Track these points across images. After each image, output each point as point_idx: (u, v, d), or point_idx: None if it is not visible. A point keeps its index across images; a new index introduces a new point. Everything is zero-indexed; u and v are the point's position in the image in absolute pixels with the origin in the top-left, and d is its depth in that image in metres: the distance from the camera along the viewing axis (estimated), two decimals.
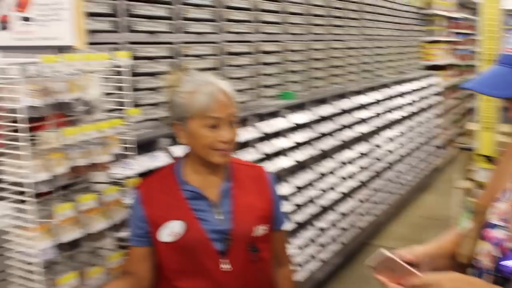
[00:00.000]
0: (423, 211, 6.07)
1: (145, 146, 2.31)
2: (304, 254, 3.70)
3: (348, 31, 4.88)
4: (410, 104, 6.10)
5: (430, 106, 6.90)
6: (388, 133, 5.44)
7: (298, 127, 3.66)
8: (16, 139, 1.56)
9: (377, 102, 5.13)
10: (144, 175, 2.01)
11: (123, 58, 1.81)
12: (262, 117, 3.30)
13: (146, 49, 2.57)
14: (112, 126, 1.76)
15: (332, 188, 4.12)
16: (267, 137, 3.29)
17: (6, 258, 1.69)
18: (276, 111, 3.46)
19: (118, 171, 1.92)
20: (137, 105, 2.44)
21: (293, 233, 3.58)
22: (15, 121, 1.55)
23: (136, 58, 2.47)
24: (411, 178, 6.17)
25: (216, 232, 1.73)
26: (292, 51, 3.93)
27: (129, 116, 1.84)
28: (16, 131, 1.55)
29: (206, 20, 3.01)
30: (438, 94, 7.15)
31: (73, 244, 1.75)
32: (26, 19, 2.01)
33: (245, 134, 3.02)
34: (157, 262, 1.77)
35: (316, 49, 4.30)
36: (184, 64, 2.60)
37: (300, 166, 3.70)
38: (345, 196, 4.36)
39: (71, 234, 1.70)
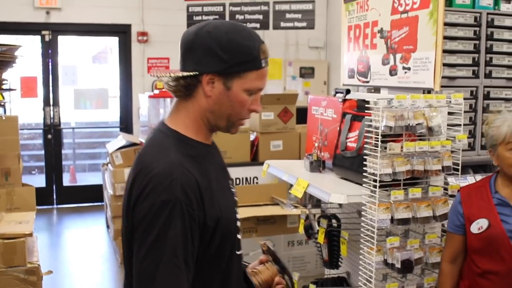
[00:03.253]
0: None
1: (475, 167, 2.98)
2: None
3: None
4: None
5: None
6: None
7: None
8: (376, 146, 2.52)
9: None
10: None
11: (458, 98, 2.56)
12: None
13: (503, 92, 3.19)
14: (443, 144, 2.53)
15: None
16: None
17: (361, 221, 2.67)
18: None
19: (447, 179, 2.68)
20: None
21: None
22: (377, 134, 2.50)
23: (490, 98, 3.13)
24: None
25: None
26: None
27: (457, 140, 2.58)
28: (377, 140, 2.51)
29: None
30: None
31: (404, 222, 2.59)
32: (407, 68, 2.96)
33: None
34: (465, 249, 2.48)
35: None
36: None
37: None
38: None
39: (401, 214, 2.56)
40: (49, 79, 7.87)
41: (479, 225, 2.41)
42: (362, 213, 2.64)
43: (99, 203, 7.55)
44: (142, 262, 1.44)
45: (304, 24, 6.69)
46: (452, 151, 2.59)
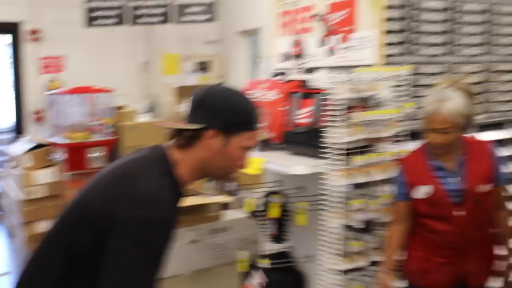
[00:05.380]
0: None
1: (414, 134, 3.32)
2: None
3: None
4: None
5: None
6: None
7: None
8: (338, 117, 2.74)
9: None
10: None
11: (404, 71, 2.86)
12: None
13: (426, 68, 3.56)
14: (391, 113, 2.81)
15: None
16: None
17: (323, 189, 2.89)
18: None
19: (394, 145, 2.98)
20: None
21: None
22: (338, 107, 2.72)
23: (418, 74, 3.47)
24: None
25: (453, 191, 2.65)
26: None
27: (404, 108, 2.88)
28: (337, 112, 2.73)
29: (476, 45, 3.84)
30: None
31: (362, 186, 2.85)
32: (347, 48, 3.21)
33: (499, 134, 3.78)
34: (412, 212, 2.76)
35: None
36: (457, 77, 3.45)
37: None
38: None
39: (360, 179, 2.81)
40: None
41: (421, 191, 2.68)
42: (323, 181, 2.84)
43: None
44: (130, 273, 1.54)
45: (205, 17, 6.81)
46: (401, 120, 2.88)
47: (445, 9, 3.58)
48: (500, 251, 2.81)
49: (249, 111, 1.74)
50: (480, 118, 3.92)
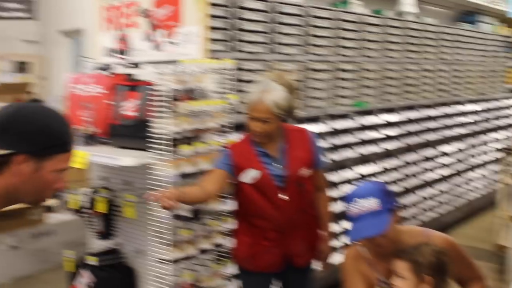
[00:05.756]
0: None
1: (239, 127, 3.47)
2: None
3: (424, 55, 5.75)
4: (485, 120, 6.86)
5: (510, 125, 7.57)
6: (457, 144, 6.25)
7: (365, 128, 4.68)
8: (165, 108, 2.76)
9: (447, 116, 5.98)
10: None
11: (228, 63, 2.98)
12: (334, 117, 4.37)
13: (249, 64, 3.74)
14: (216, 104, 2.91)
15: (394, 182, 5.06)
16: (337, 132, 4.36)
17: (151, 179, 2.89)
18: (347, 114, 4.50)
19: (220, 136, 3.08)
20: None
21: None
22: (166, 98, 2.75)
23: (241, 69, 3.63)
24: (481, 187, 6.90)
25: (277, 176, 2.81)
26: (367, 70, 4.92)
27: (229, 99, 2.99)
28: (164, 103, 2.75)
29: (294, 45, 4.12)
30: None
31: (190, 176, 2.90)
32: (172, 43, 3.25)
33: (317, 128, 4.09)
34: (238, 200, 2.87)
35: (390, 69, 5.23)
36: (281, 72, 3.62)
37: (365, 159, 4.71)
38: (408, 191, 5.26)
39: (189, 169, 2.87)
40: None
41: (248, 175, 2.81)
42: (151, 173, 2.85)
43: None
44: None
45: (23, 14, 6.42)
46: (226, 112, 2.99)
47: (265, 11, 3.79)
48: (321, 232, 3.04)
49: (62, 132, 1.62)
50: (299, 113, 4.21)
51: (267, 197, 2.81)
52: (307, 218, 2.96)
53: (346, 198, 2.27)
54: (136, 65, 3.46)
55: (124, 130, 3.10)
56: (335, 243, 4.45)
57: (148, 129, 2.87)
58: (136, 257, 3.33)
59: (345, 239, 4.53)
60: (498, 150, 7.27)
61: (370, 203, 2.18)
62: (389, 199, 2.25)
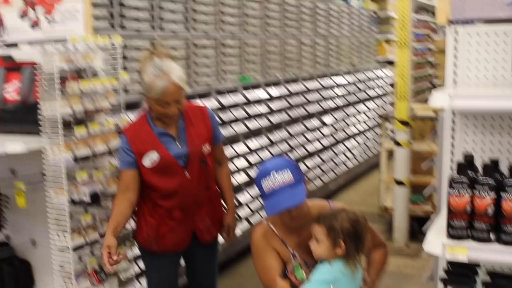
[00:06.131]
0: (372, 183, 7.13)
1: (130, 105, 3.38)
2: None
3: (301, 30, 5.95)
4: (360, 91, 7.26)
5: (383, 94, 8.07)
6: (336, 114, 6.56)
7: (251, 102, 4.76)
8: (52, 89, 2.61)
9: (326, 87, 6.25)
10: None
11: (116, 40, 2.88)
12: (222, 93, 4.39)
13: (135, 42, 3.63)
14: (107, 83, 2.81)
15: (282, 154, 5.21)
16: (225, 107, 4.39)
17: (43, 164, 2.73)
18: (234, 89, 4.55)
19: (113, 116, 2.98)
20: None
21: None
22: (52, 79, 2.60)
23: (125, 47, 3.52)
24: (360, 155, 7.32)
25: (179, 155, 2.78)
26: (250, 45, 4.99)
27: (120, 77, 2.89)
28: (52, 84, 2.60)
29: (179, 22, 4.07)
30: (388, 84, 8.35)
31: (85, 159, 2.78)
32: (52, 20, 3.07)
33: (207, 103, 4.09)
34: (141, 180, 2.80)
35: (272, 44, 5.36)
36: (157, 45, 3.54)
37: (254, 133, 4.80)
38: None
39: (83, 152, 2.74)
40: None
41: (150, 158, 2.75)
42: (44, 156, 2.70)
43: None
44: None
45: None
46: (117, 91, 2.89)
47: None
48: (226, 206, 3.06)
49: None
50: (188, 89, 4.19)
51: (170, 177, 2.77)
52: (211, 194, 2.96)
53: (259, 175, 2.31)
54: (16, 45, 3.23)
55: (6, 115, 2.90)
56: (241, 212, 4.54)
57: (35, 112, 2.71)
58: (30, 248, 3.15)
59: (248, 211, 4.62)
60: (378, 117, 7.75)
61: (286, 176, 2.24)
62: (300, 172, 2.32)
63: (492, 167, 1.88)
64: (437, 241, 1.89)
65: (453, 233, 1.88)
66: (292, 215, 2.31)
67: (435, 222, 2.07)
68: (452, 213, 1.88)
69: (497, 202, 1.82)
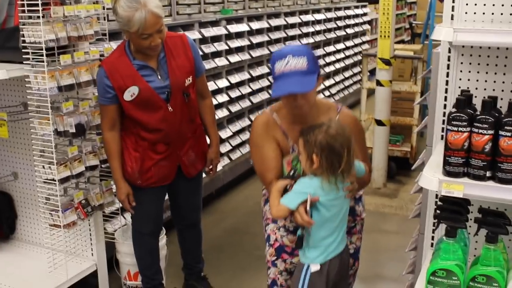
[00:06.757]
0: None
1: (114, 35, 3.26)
2: None
3: None
4: (339, 28, 7.18)
5: (361, 33, 8.02)
6: (316, 51, 6.50)
7: (234, 35, 4.65)
8: (34, 13, 2.48)
9: (307, 23, 6.15)
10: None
11: None
12: (205, 25, 4.27)
13: None
14: (91, 9, 2.68)
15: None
16: (207, 40, 4.29)
17: (27, 94, 2.63)
18: (216, 21, 4.43)
19: (97, 44, 2.86)
20: None
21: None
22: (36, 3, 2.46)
23: None
24: (337, 93, 7.35)
25: (161, 88, 2.70)
26: None
27: (104, 3, 2.76)
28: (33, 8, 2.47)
29: None
30: (367, 22, 8.28)
31: (69, 88, 2.68)
32: None
33: (190, 35, 3.98)
34: (123, 114, 2.72)
35: None
36: None
37: (235, 68, 4.72)
38: None
39: (67, 81, 2.64)
40: None
41: (130, 93, 2.66)
42: (27, 84, 2.59)
43: None
44: None
45: None
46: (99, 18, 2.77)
47: None
48: (209, 139, 3.02)
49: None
50: (167, 20, 4.05)
51: (152, 111, 2.70)
52: (194, 127, 2.91)
53: (275, 55, 2.21)
54: None
55: None
56: (222, 149, 4.50)
57: (15, 38, 2.58)
58: (12, 181, 3.08)
59: (229, 146, 4.60)
60: (358, 54, 7.69)
61: (301, 62, 2.16)
62: (316, 64, 2.25)
63: (491, 104, 1.87)
64: (433, 177, 1.89)
65: (450, 170, 1.89)
66: (297, 103, 2.23)
67: (430, 160, 2.07)
68: (449, 150, 1.88)
69: (495, 140, 1.82)
